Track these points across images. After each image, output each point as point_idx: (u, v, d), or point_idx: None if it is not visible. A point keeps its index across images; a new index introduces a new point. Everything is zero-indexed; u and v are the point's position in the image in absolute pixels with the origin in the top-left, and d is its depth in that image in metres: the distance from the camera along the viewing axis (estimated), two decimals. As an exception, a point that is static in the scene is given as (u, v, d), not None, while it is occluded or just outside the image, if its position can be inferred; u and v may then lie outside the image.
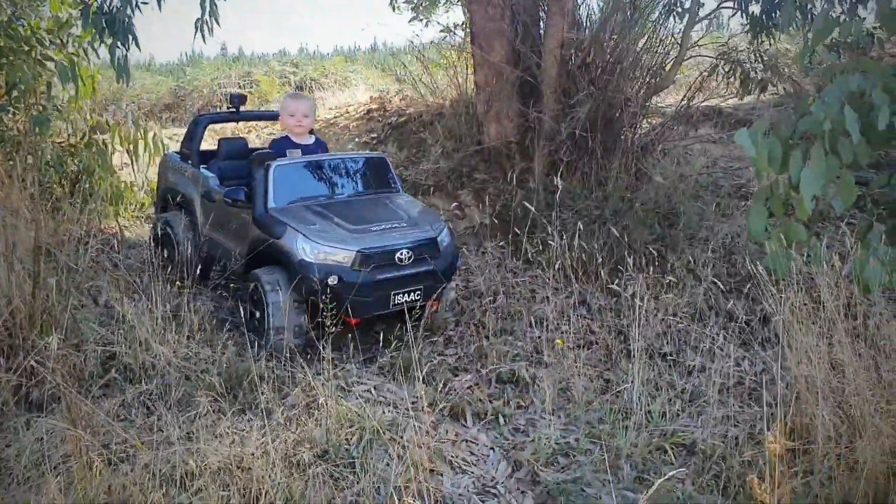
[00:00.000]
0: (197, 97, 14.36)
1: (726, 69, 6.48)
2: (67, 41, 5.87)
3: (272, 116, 5.95)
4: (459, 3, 8.27)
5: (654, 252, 4.85)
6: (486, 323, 4.56)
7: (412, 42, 8.21)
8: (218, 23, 5.15)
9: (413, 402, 3.42)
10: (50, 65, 5.68)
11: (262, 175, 4.39)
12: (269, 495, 2.72)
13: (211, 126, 6.29)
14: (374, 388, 3.83)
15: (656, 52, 6.21)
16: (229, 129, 8.95)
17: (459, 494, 3.06)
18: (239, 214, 4.53)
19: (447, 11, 9.37)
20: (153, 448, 2.94)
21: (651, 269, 4.47)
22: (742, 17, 6.44)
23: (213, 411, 3.19)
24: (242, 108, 5.56)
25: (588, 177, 5.88)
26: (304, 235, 4.13)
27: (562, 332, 4.27)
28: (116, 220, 6.08)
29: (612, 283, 4.47)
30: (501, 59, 6.18)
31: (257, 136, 9.17)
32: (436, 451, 3.20)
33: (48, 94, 5.78)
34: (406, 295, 4.23)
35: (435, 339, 4.50)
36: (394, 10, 9.32)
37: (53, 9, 5.84)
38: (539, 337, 4.34)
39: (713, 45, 7.20)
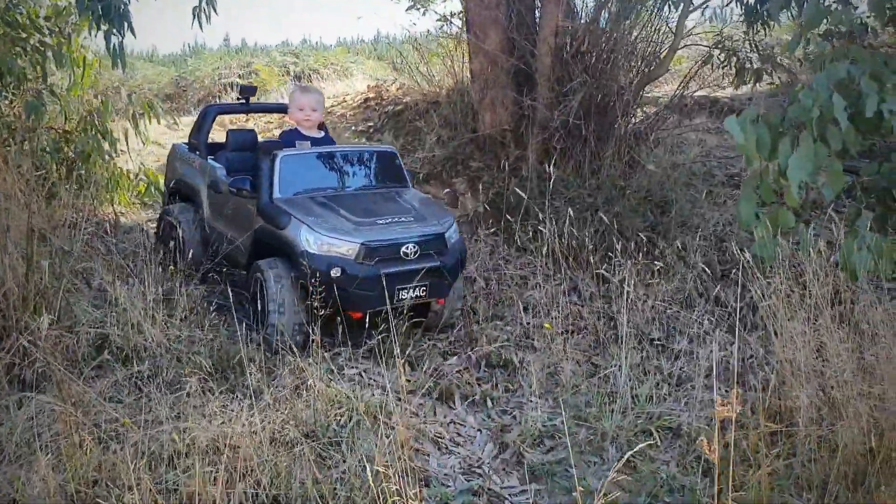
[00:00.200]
0: (198, 87, 14.40)
1: (721, 59, 6.49)
2: (66, 29, 5.87)
3: (282, 109, 5.80)
4: (456, -9, 8.28)
5: (644, 239, 4.88)
6: (476, 309, 4.59)
7: (407, 31, 8.21)
8: (215, 10, 5.15)
9: (394, 384, 3.44)
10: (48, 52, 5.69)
11: (269, 164, 4.32)
12: (255, 473, 2.76)
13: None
14: (364, 371, 3.87)
15: (651, 40, 6.22)
16: (227, 121, 8.95)
17: (445, 474, 3.11)
18: (244, 205, 4.47)
19: (444, 0, 9.38)
20: (143, 427, 2.98)
21: (641, 255, 4.50)
22: (737, 6, 6.45)
23: (203, 392, 3.22)
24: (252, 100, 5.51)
25: (581, 165, 5.89)
26: (308, 226, 4.03)
27: (552, 318, 4.30)
28: (112, 206, 6.11)
29: (602, 269, 4.50)
30: (496, 47, 6.18)
31: (255, 125, 9.18)
32: (421, 432, 3.24)
33: (44, 80, 5.79)
34: (411, 290, 4.13)
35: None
36: (392, -2, 9.30)
37: (52, -4, 5.86)
38: (529, 323, 4.38)
39: (708, 34, 7.20)
